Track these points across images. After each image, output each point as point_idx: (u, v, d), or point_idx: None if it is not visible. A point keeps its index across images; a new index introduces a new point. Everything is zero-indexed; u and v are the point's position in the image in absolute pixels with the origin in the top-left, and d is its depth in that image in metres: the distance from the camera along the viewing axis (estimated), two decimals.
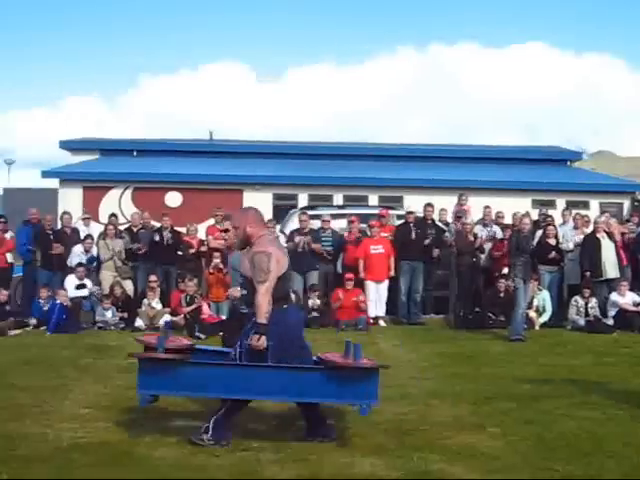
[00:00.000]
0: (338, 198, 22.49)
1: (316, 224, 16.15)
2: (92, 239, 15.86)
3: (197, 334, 13.37)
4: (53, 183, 24.58)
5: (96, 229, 16.80)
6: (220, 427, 6.71)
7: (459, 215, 16.24)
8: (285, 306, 6.97)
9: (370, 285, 15.37)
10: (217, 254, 15.34)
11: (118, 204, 22.74)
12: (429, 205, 16.29)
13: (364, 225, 16.11)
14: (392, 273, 15.50)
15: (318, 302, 15.01)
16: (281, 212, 20.46)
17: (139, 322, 14.53)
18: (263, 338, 6.64)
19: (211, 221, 17.35)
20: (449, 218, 17.02)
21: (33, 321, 14.34)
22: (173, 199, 23.11)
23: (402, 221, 16.39)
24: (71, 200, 22.39)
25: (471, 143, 33.88)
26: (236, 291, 13.09)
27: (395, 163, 26.10)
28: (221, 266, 15.19)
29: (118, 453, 6.48)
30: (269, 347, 6.70)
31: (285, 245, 15.58)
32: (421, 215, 16.21)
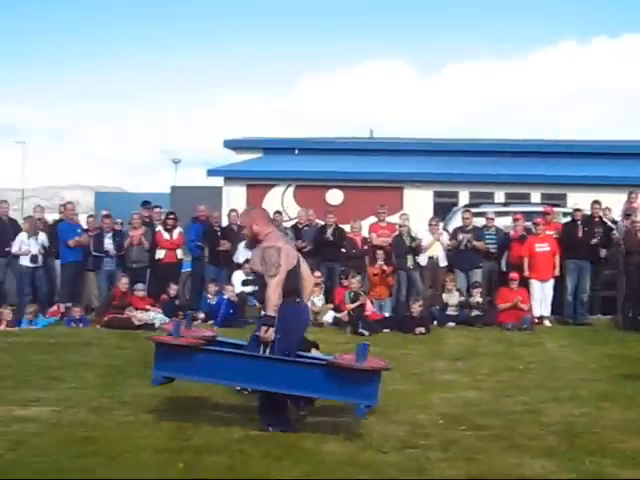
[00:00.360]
0: (499, 196, 22.16)
1: (479, 222, 15.95)
2: None
3: (360, 331, 13.44)
4: (218, 181, 25.16)
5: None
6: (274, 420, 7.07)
7: (628, 213, 15.70)
8: (297, 300, 7.19)
9: (535, 284, 15.09)
10: (380, 252, 15.33)
11: (281, 201, 23.08)
12: (596, 203, 15.81)
13: (528, 223, 15.82)
14: (557, 272, 15.17)
15: (480, 300, 14.84)
16: (442, 210, 20.34)
17: None
18: (271, 330, 6.82)
19: (373, 219, 17.35)
20: (617, 216, 16.50)
21: (201, 315, 14.77)
22: (334, 197, 23.27)
23: (568, 219, 16.01)
24: (235, 198, 22.89)
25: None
26: None
27: (558, 159, 25.45)
28: (385, 267, 15.21)
29: (287, 446, 6.57)
30: (275, 340, 6.89)
31: (448, 243, 15.52)
32: (588, 213, 15.77)
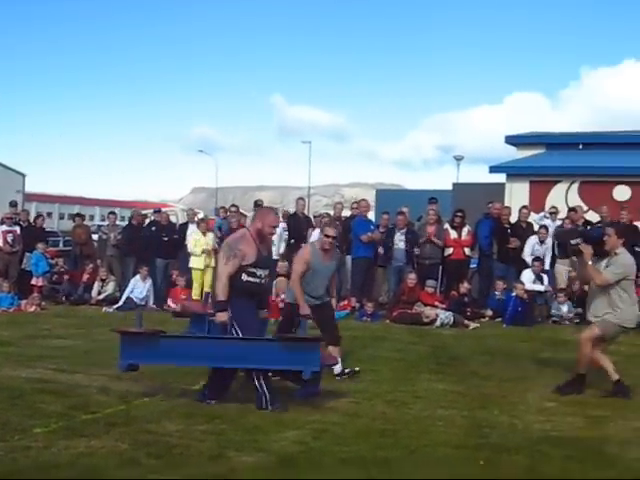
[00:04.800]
0: None
1: None
2: (546, 230, 15.85)
3: None
4: (500, 178, 24.92)
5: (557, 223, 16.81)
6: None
7: None
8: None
9: None
10: None
11: (565, 198, 22.51)
12: None
13: None
14: None
15: None
16: None
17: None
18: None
19: None
20: None
21: (489, 312, 14.71)
22: (621, 193, 22.41)
23: None
24: (518, 194, 22.57)
25: None
26: None
27: None
28: None
29: (589, 450, 6.38)
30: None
31: None
32: None
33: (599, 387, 8.74)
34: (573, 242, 8.85)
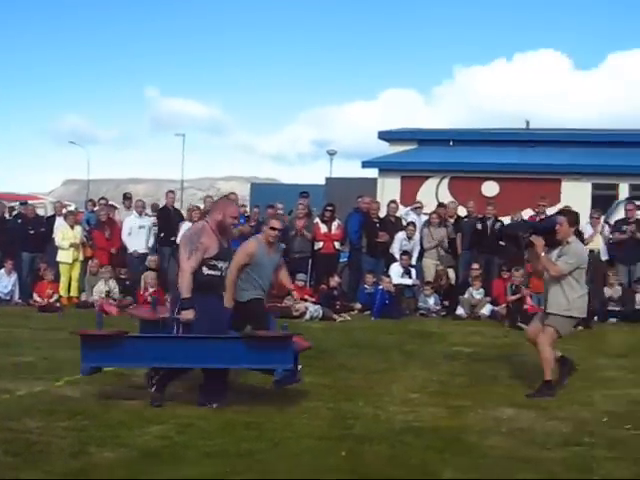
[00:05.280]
0: None
1: None
2: (414, 227, 16.10)
3: (519, 324, 13.27)
4: (372, 173, 25.18)
5: (422, 217, 17.03)
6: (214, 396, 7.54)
7: None
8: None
9: None
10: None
11: (435, 193, 22.92)
12: None
13: None
14: None
15: None
16: (600, 202, 19.76)
17: (460, 310, 14.65)
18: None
19: (529, 211, 17.05)
20: None
21: (358, 306, 14.86)
22: (490, 188, 22.94)
23: None
24: (390, 189, 22.87)
25: None
26: None
27: None
28: None
29: (449, 439, 6.52)
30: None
31: (610, 236, 15.09)
32: None
33: (462, 376, 8.99)
34: (524, 235, 8.77)
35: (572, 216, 8.79)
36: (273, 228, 8.99)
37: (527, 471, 5.77)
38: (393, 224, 15.95)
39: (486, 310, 14.56)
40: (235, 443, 6.24)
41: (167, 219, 16.94)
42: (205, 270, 7.50)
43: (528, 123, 32.79)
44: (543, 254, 8.51)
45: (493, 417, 7.34)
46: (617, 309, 14.40)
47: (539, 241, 8.51)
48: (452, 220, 16.33)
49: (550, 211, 16.35)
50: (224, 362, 7.52)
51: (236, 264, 8.68)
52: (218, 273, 7.66)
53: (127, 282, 15.96)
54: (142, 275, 15.56)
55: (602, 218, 15.88)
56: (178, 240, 14.99)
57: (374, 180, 24.39)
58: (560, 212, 9.23)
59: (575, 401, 8.04)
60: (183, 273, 7.45)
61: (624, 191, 21.19)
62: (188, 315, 7.38)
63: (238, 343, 7.59)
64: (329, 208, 16.23)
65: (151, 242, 16.78)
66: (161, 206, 18.44)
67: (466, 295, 14.91)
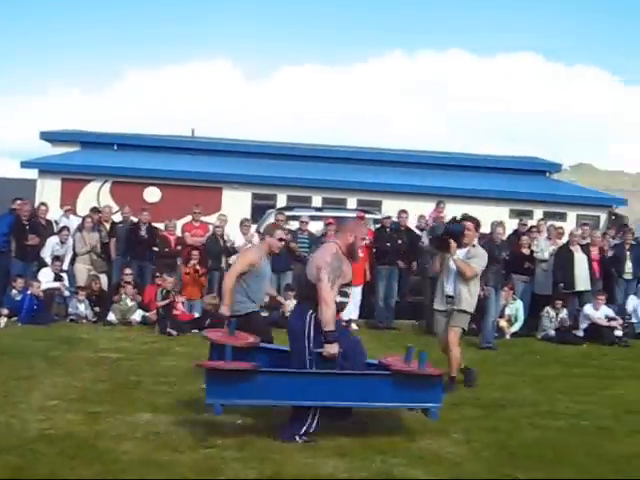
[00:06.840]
0: (317, 200, 22.43)
1: (294, 225, 16.19)
2: (68, 231, 15.78)
3: (168, 330, 13.39)
4: (32, 174, 24.39)
5: (75, 222, 16.71)
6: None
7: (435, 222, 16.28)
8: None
9: None
10: (195, 253, 15.29)
11: (97, 197, 22.62)
12: (403, 212, 16.37)
13: None
14: (368, 277, 15.59)
15: (294, 302, 14.99)
16: (260, 211, 20.43)
17: (111, 316, 14.51)
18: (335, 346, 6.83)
19: (189, 218, 17.27)
20: (424, 223, 17.05)
21: (5, 311, 14.26)
22: (152, 194, 22.99)
23: (378, 225, 16.46)
24: (50, 191, 22.28)
25: (455, 151, 33.60)
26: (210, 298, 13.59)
27: (376, 167, 26.01)
28: (198, 267, 15.20)
29: (83, 445, 6.50)
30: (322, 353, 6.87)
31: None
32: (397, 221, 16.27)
33: (105, 382, 8.93)
34: (441, 236, 9.68)
35: (476, 222, 9.84)
36: (281, 239, 8.99)
37: (158, 475, 5.86)
38: (44, 227, 15.52)
39: (137, 316, 14.53)
40: None
41: None
42: (337, 298, 6.93)
43: (193, 131, 33.27)
44: (456, 256, 9.43)
45: (130, 422, 7.38)
46: None
47: (453, 243, 9.41)
48: (107, 224, 16.13)
49: (209, 219, 16.75)
50: (370, 400, 7.04)
51: (235, 270, 8.51)
52: (347, 300, 7.19)
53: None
54: None
55: (253, 227, 16.49)
56: None
57: (34, 181, 23.66)
58: (464, 218, 10.02)
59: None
60: (326, 303, 6.73)
61: (282, 201, 22.07)
62: (333, 350, 6.78)
63: (386, 380, 7.03)
64: None
65: None
66: None
67: (118, 301, 14.77)
